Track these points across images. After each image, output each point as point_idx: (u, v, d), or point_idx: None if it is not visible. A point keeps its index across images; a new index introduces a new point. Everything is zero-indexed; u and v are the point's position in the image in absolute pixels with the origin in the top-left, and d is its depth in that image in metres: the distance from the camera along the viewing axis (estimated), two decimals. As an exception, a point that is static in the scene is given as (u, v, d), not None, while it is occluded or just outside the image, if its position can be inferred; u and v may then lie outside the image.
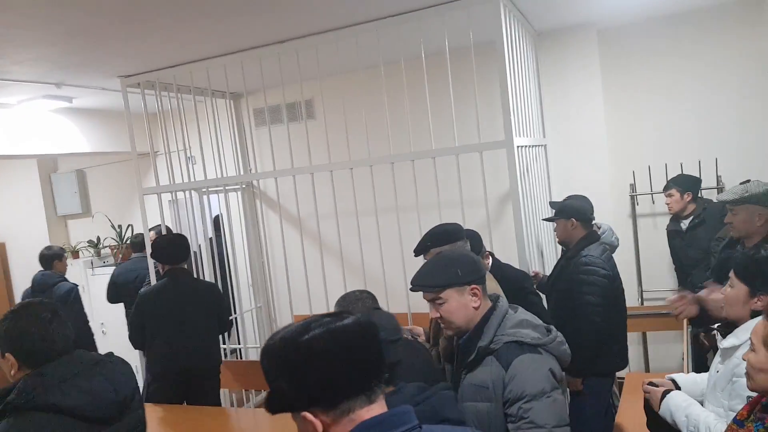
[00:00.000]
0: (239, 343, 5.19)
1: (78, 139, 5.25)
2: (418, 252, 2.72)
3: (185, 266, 3.75)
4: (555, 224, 3.38)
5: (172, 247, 3.71)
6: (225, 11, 3.04)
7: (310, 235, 4.50)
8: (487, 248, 3.11)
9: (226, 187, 4.51)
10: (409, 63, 3.61)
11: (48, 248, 5.00)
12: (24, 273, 6.77)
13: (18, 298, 6.86)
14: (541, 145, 4.24)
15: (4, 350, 1.87)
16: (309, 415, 1.06)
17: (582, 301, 3.00)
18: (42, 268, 4.88)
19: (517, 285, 2.85)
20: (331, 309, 3.89)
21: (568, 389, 2.83)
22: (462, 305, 1.86)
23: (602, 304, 2.97)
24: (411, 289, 1.95)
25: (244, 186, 5.25)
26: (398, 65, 3.59)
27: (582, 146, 4.33)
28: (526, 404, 1.71)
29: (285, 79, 3.85)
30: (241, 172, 5.17)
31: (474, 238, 2.94)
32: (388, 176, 3.65)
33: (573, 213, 3.23)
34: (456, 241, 2.63)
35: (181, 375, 3.51)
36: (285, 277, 4.11)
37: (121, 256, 5.87)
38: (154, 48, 3.56)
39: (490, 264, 3.02)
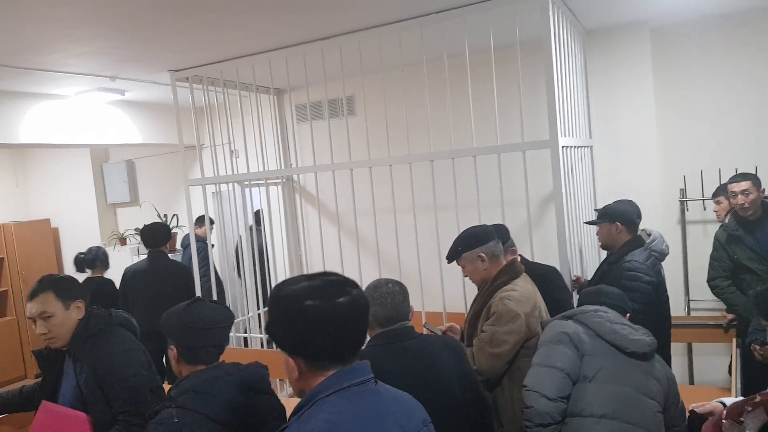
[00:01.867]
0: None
1: (130, 130, 5.42)
2: (450, 258, 2.68)
3: (163, 249, 4.69)
4: (598, 228, 3.30)
5: (150, 232, 4.64)
6: (272, 8, 3.07)
7: (348, 231, 4.52)
8: (528, 250, 3.06)
9: (267, 181, 4.58)
10: (452, 60, 3.57)
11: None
12: (74, 255, 7.06)
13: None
14: (587, 146, 4.13)
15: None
16: (291, 361, 1.31)
17: None
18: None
19: (545, 279, 2.80)
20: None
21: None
22: None
23: (644, 311, 2.87)
24: None
25: (284, 180, 5.32)
26: (441, 62, 3.55)
27: (630, 148, 4.20)
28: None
29: (327, 76, 3.88)
30: (282, 167, 5.24)
31: (500, 230, 2.92)
32: (427, 174, 3.63)
33: (617, 217, 3.14)
34: (487, 243, 2.59)
35: (154, 335, 3.66)
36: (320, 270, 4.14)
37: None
38: (202, 44, 3.64)
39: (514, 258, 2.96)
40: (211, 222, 4.82)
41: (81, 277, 4.77)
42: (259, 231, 5.02)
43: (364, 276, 3.86)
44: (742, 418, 1.02)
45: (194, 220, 4.66)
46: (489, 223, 2.93)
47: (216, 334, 1.86)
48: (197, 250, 4.58)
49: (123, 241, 6.32)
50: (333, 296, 1.26)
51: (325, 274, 1.35)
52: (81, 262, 4.83)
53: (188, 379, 1.78)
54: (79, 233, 6.99)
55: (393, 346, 2.02)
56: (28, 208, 7.22)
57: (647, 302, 2.91)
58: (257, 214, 5.19)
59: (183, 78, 4.28)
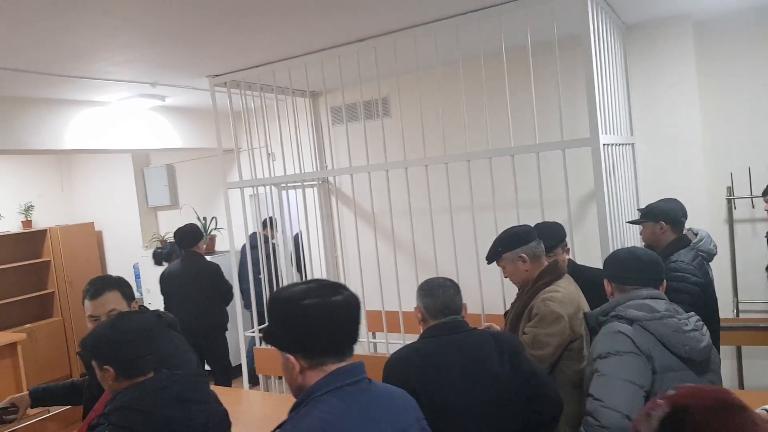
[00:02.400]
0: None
1: (170, 135, 5.54)
2: (490, 259, 2.65)
3: (197, 250, 4.90)
4: (641, 228, 3.21)
5: (179, 234, 4.84)
6: (308, 12, 3.09)
7: (384, 232, 4.52)
8: (569, 251, 3.00)
9: (304, 183, 4.61)
10: (488, 59, 3.54)
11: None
12: (117, 259, 7.26)
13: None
14: (629, 144, 4.03)
15: None
16: (291, 358, 1.39)
17: None
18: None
19: (596, 284, 2.73)
20: (404, 306, 3.90)
21: None
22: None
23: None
24: None
25: (320, 182, 5.35)
26: (477, 61, 3.52)
27: (674, 145, 4.09)
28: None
29: (362, 78, 3.88)
30: (318, 169, 5.28)
31: (553, 228, 2.87)
32: (464, 174, 3.60)
33: (661, 215, 3.05)
34: (528, 243, 2.55)
35: (190, 330, 3.72)
36: (357, 272, 4.15)
37: (205, 246, 6.14)
38: (239, 49, 3.69)
39: (567, 259, 2.91)
40: (272, 224, 4.93)
41: (157, 271, 5.10)
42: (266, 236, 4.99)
43: (401, 276, 3.86)
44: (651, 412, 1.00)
45: (261, 222, 4.78)
46: (528, 223, 2.89)
47: (148, 343, 1.81)
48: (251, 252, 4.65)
49: (164, 243, 6.46)
50: (328, 295, 1.39)
51: (318, 279, 1.47)
52: (159, 256, 5.35)
53: (122, 394, 1.71)
54: (121, 236, 7.19)
55: (443, 339, 2.05)
56: (73, 212, 7.46)
57: (695, 304, 2.82)
58: (265, 222, 5.14)
59: (221, 83, 4.35)
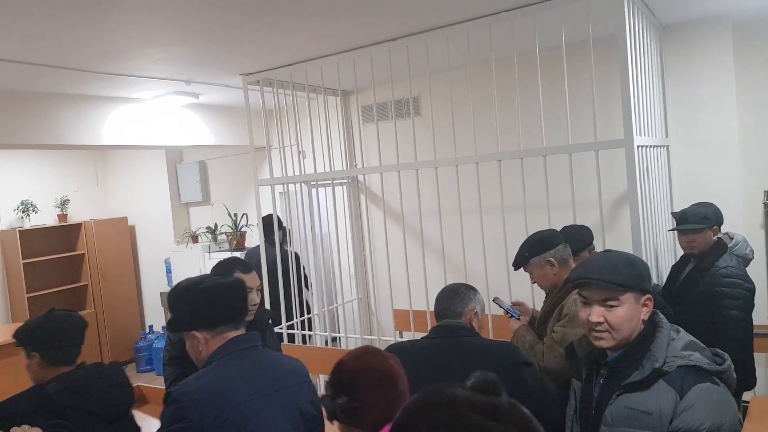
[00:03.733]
0: (339, 332, 5.33)
1: (202, 132, 5.63)
2: (517, 264, 2.63)
3: (273, 238, 4.68)
4: (680, 234, 3.15)
5: (262, 223, 4.65)
6: (340, 11, 3.12)
7: (413, 232, 4.52)
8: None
9: (334, 181, 4.64)
10: (521, 58, 3.51)
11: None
12: (149, 253, 7.41)
13: (143, 275, 7.51)
14: (664, 146, 3.96)
15: None
16: (197, 335, 1.74)
17: (725, 316, 2.80)
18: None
19: None
20: (431, 305, 3.90)
21: None
22: (634, 315, 1.65)
23: (746, 319, 2.76)
24: (583, 283, 1.68)
25: (349, 180, 5.38)
26: (509, 61, 3.50)
27: (710, 148, 4.00)
28: None
29: (393, 77, 3.89)
30: (348, 167, 5.30)
31: (581, 231, 2.84)
32: (495, 174, 3.58)
33: (716, 221, 3.01)
34: (555, 247, 2.52)
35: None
36: (385, 271, 4.17)
37: (235, 242, 6.23)
38: (272, 48, 3.73)
39: None
40: (281, 226, 4.89)
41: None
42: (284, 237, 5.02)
43: (429, 276, 3.86)
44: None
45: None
46: (558, 225, 2.87)
47: (74, 335, 2.14)
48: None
49: (195, 239, 6.57)
50: (218, 279, 1.81)
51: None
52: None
53: (58, 380, 1.98)
54: (154, 231, 7.33)
55: (424, 341, 2.17)
56: (107, 206, 7.63)
57: (748, 309, 2.79)
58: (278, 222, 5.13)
59: (254, 81, 4.41)
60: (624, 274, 1.64)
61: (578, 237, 2.83)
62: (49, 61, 3.61)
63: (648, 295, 1.66)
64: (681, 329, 1.70)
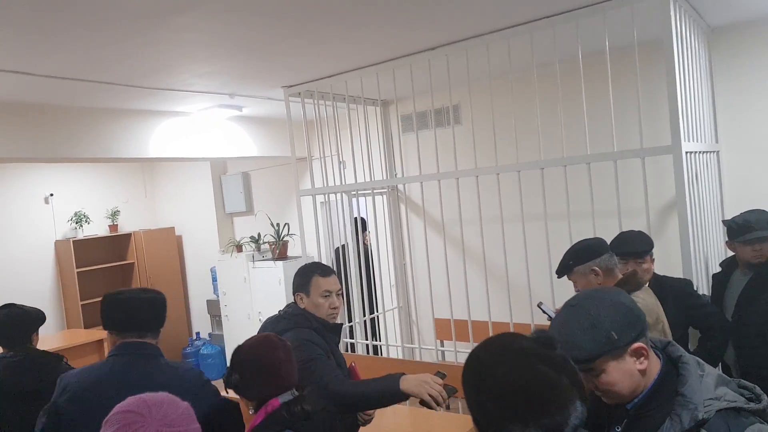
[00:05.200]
0: (379, 340, 5.34)
1: (246, 143, 5.76)
2: (561, 272, 2.58)
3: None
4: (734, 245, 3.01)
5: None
6: (380, 22, 3.15)
7: (453, 240, 4.50)
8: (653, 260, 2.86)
9: (374, 191, 4.66)
10: (563, 64, 3.47)
11: None
12: (196, 262, 7.59)
13: (190, 283, 7.70)
14: (713, 152, 3.83)
15: None
16: (108, 333, 2.06)
17: None
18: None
19: (681, 292, 2.62)
20: (473, 315, 3.87)
21: None
22: (625, 373, 1.38)
23: None
24: None
25: (389, 189, 5.40)
26: (552, 67, 3.46)
27: (762, 153, 3.85)
28: None
29: (433, 86, 3.90)
30: (388, 177, 5.32)
31: (626, 242, 2.76)
32: (537, 182, 3.53)
33: None
34: (600, 256, 2.46)
35: None
36: (426, 280, 4.15)
37: (277, 251, 6.32)
38: (313, 60, 3.80)
39: (652, 270, 2.79)
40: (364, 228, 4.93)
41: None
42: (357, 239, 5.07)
43: (470, 285, 3.83)
44: None
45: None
46: (603, 234, 2.80)
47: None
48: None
49: (239, 248, 6.70)
50: (141, 293, 2.09)
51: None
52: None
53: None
54: (199, 240, 7.52)
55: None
56: (155, 216, 7.87)
57: None
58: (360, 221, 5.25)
59: (295, 93, 4.49)
60: (584, 346, 1.36)
61: (641, 240, 2.76)
62: (101, 78, 3.77)
63: (636, 345, 1.37)
64: (701, 361, 1.44)
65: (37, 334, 2.82)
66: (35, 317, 2.81)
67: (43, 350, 2.78)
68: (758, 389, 1.39)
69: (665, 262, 3.41)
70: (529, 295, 3.52)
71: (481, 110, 4.07)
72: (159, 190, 7.88)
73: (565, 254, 2.56)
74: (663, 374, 1.42)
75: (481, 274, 3.85)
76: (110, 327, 2.06)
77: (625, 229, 3.09)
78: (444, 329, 4.39)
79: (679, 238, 3.05)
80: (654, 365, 1.42)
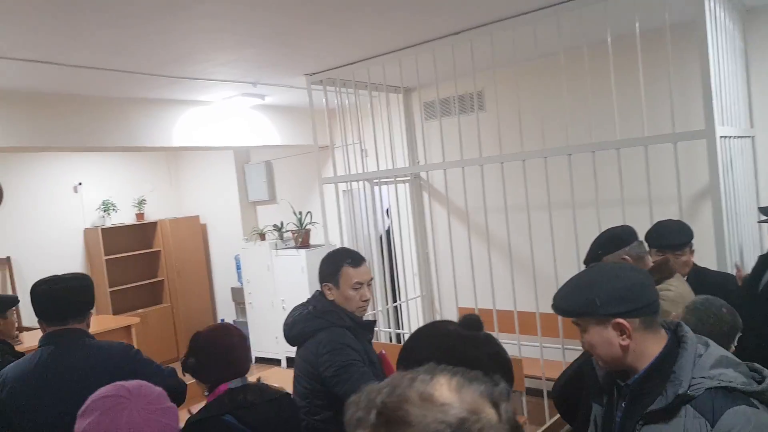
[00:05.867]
0: (402, 329, 5.33)
1: (269, 132, 5.76)
2: (588, 262, 2.51)
3: None
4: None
5: None
6: (402, 7, 3.09)
7: (477, 229, 4.44)
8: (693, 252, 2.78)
9: (396, 179, 4.63)
10: (591, 48, 3.37)
11: None
12: (220, 250, 7.66)
13: (215, 271, 7.78)
14: (748, 136, 3.70)
15: None
16: (40, 323, 2.15)
17: None
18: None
19: (722, 288, 2.53)
20: (498, 304, 3.82)
21: None
22: (605, 341, 1.46)
23: None
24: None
25: (412, 177, 5.35)
26: (579, 51, 3.37)
27: (801, 138, 3.71)
28: None
29: (457, 72, 3.83)
30: (410, 165, 5.28)
31: (663, 235, 2.67)
32: (564, 169, 3.46)
33: None
34: (630, 244, 2.39)
35: None
36: (449, 269, 4.11)
37: (300, 239, 6.34)
38: (335, 47, 3.76)
39: (692, 262, 2.70)
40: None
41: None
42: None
43: (495, 274, 3.78)
44: None
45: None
46: (633, 222, 2.73)
47: None
48: None
49: (262, 236, 6.74)
50: (58, 281, 2.14)
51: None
52: None
53: None
54: (223, 229, 7.58)
55: None
56: (180, 205, 7.95)
57: None
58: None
59: (317, 81, 4.46)
60: (573, 300, 1.50)
61: (681, 230, 2.67)
62: (124, 67, 3.79)
63: (616, 320, 1.42)
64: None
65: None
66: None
67: None
68: (767, 371, 1.40)
69: (699, 250, 3.31)
70: (556, 285, 3.45)
71: (507, 96, 3.99)
72: (184, 179, 7.95)
73: (593, 243, 2.50)
74: (665, 353, 1.45)
75: (506, 262, 3.80)
76: (38, 317, 2.16)
77: (656, 217, 3.01)
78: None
79: (712, 226, 2.96)
80: (654, 345, 1.46)
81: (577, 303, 1.49)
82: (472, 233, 4.07)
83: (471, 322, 1.27)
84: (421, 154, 5.27)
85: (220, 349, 1.89)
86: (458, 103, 4.12)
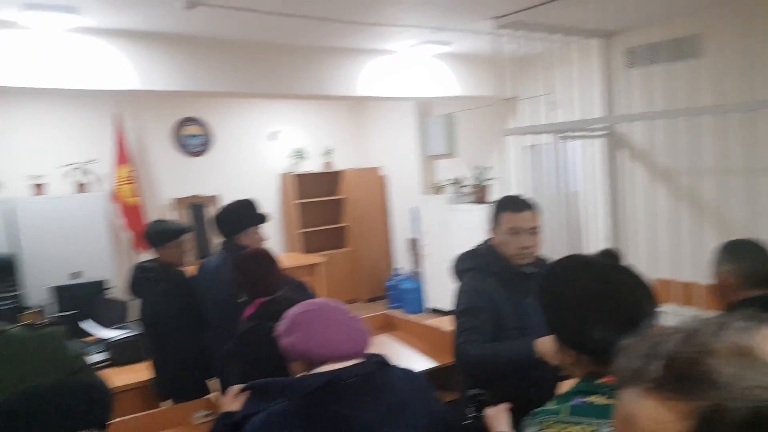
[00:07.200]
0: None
1: (450, 82, 5.60)
2: None
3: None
4: None
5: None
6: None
7: (681, 193, 3.87)
8: None
9: (588, 134, 4.18)
10: None
11: None
12: (399, 201, 7.83)
13: (394, 221, 7.98)
14: None
15: None
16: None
17: None
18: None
19: None
20: (703, 277, 3.29)
21: None
22: None
23: None
24: None
25: (607, 132, 4.82)
26: None
27: None
28: None
29: (670, 12, 3.26)
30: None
31: None
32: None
33: None
34: None
35: None
36: (644, 236, 3.64)
37: (475, 195, 6.17)
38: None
39: None
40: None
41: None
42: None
43: (702, 246, 3.26)
44: None
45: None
46: None
47: None
48: None
49: (440, 190, 6.70)
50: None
51: None
52: None
53: None
54: (403, 181, 7.69)
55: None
56: (361, 156, 8.21)
57: None
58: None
59: (505, 24, 4.15)
60: None
61: None
62: (317, 14, 3.87)
63: None
64: None
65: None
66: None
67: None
68: None
69: None
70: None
71: (730, 39, 3.32)
72: (367, 132, 8.18)
73: None
74: None
75: (715, 232, 3.25)
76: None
77: None
78: (663, 290, 3.86)
79: None
80: None
81: None
82: (678, 198, 3.54)
83: (610, 253, 1.35)
84: (618, 109, 4.70)
85: (250, 273, 2.38)
86: (670, 48, 3.53)
